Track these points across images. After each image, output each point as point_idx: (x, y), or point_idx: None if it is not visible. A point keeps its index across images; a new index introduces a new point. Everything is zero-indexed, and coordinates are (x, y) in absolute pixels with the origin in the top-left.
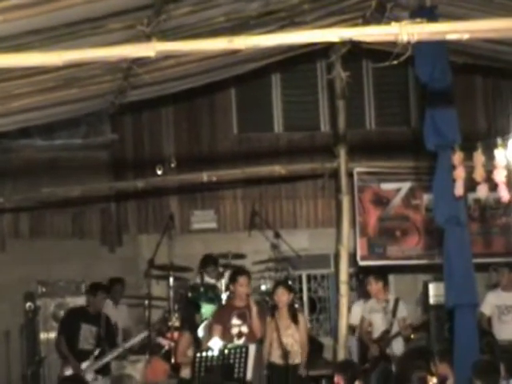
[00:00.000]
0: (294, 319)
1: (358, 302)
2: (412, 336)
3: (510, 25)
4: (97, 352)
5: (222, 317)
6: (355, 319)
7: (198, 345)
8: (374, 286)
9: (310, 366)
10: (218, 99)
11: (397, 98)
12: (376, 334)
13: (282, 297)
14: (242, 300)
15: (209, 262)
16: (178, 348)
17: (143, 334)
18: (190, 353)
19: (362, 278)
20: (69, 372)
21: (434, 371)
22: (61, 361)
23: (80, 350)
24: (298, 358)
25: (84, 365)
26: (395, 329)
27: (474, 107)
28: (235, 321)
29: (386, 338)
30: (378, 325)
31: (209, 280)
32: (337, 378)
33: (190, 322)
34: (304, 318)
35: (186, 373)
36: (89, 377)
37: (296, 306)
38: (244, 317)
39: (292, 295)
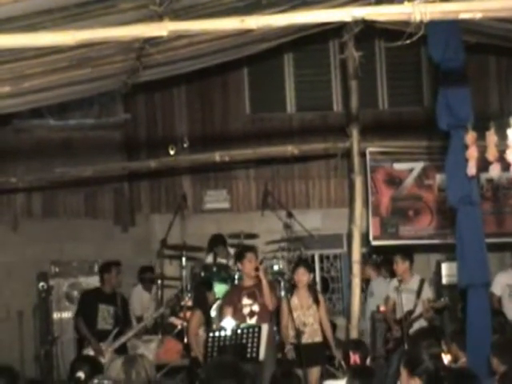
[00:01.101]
0: (315, 299)
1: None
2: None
3: None
4: (115, 331)
5: (232, 298)
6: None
7: (210, 324)
8: (401, 265)
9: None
10: (231, 79)
11: (409, 77)
12: (398, 314)
13: (303, 277)
14: (250, 279)
15: (217, 241)
16: (189, 327)
17: (160, 310)
18: (201, 332)
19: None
20: (90, 353)
21: (446, 350)
22: (76, 341)
23: (99, 331)
24: (318, 336)
25: (104, 345)
26: (419, 310)
27: (486, 87)
28: (246, 300)
29: (408, 318)
30: (401, 305)
31: (222, 260)
32: (353, 357)
33: (201, 302)
34: (323, 297)
35: (196, 353)
36: (108, 357)
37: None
38: (254, 296)
39: (312, 275)
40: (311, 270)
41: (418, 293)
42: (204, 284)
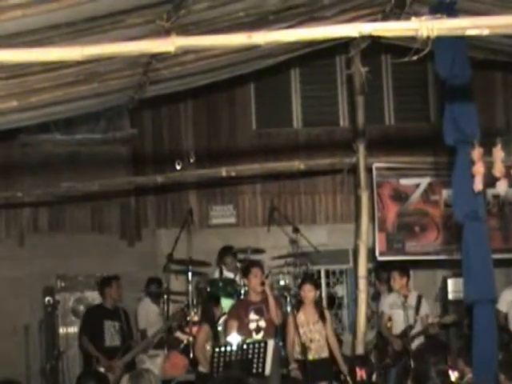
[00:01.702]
0: (322, 315)
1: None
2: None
3: None
4: (124, 348)
5: (238, 312)
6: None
7: (217, 339)
8: (399, 281)
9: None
10: (237, 94)
11: (416, 93)
12: (397, 329)
13: (309, 293)
14: (257, 294)
15: (227, 253)
16: (196, 341)
17: (167, 324)
18: (208, 346)
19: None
20: (101, 370)
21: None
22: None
23: (108, 348)
24: (324, 352)
25: (114, 362)
26: (418, 326)
27: (493, 103)
28: (253, 316)
29: (409, 334)
30: (400, 320)
31: (228, 274)
32: (359, 372)
33: (208, 316)
34: (329, 312)
35: (204, 367)
36: (117, 373)
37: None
38: (261, 311)
39: (318, 291)
40: (318, 286)
41: (417, 309)
42: (211, 298)
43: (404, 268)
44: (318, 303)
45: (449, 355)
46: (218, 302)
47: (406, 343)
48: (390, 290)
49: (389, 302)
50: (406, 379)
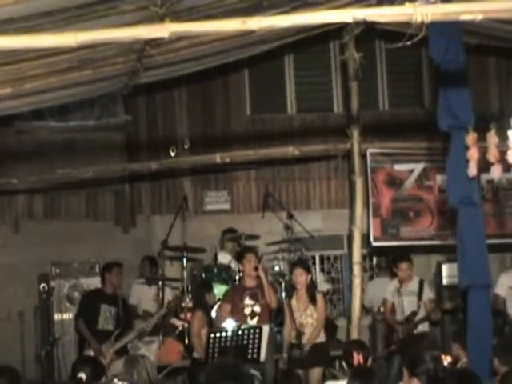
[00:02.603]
0: (313, 300)
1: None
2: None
3: None
4: (116, 332)
5: (233, 297)
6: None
7: (212, 325)
8: (406, 271)
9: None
10: (232, 80)
11: (410, 78)
12: (400, 316)
13: (300, 277)
14: (252, 280)
15: (228, 235)
16: (191, 328)
17: (162, 312)
18: (203, 333)
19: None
20: (90, 354)
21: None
22: (78, 343)
23: (100, 331)
24: (319, 337)
25: (104, 346)
26: (422, 311)
27: (487, 88)
28: (248, 301)
29: (412, 320)
30: (403, 307)
31: (222, 260)
32: (357, 357)
33: (202, 303)
34: (323, 298)
35: (199, 353)
36: (109, 358)
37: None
38: (256, 296)
39: (310, 275)
40: (309, 270)
41: (419, 294)
42: (204, 286)
43: (410, 257)
44: (309, 287)
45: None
46: (210, 289)
47: (410, 329)
48: (392, 276)
49: (391, 289)
50: None
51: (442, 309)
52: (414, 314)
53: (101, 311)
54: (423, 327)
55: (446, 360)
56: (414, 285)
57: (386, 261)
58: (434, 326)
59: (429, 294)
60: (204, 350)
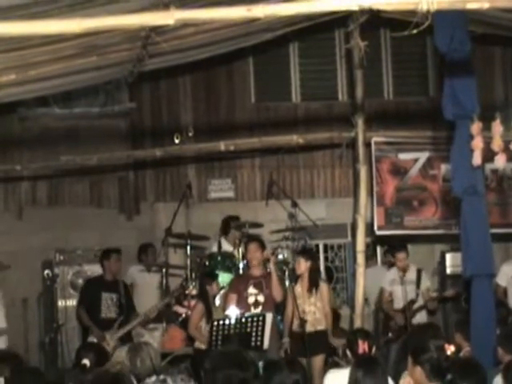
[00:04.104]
0: (315, 287)
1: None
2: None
3: None
4: (119, 320)
5: (238, 286)
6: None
7: (212, 316)
8: (405, 261)
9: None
10: (236, 68)
11: (415, 67)
12: (398, 304)
13: (300, 265)
14: (258, 269)
15: (231, 223)
16: (190, 320)
17: (166, 300)
18: (202, 325)
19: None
20: (94, 340)
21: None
22: (81, 330)
23: (103, 319)
24: (320, 324)
25: (108, 334)
26: (420, 300)
27: (492, 77)
28: (252, 290)
29: (411, 308)
30: (401, 296)
31: (227, 248)
32: (362, 345)
33: (202, 294)
34: (326, 286)
35: (200, 343)
36: (112, 345)
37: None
38: (260, 286)
39: (310, 263)
40: (309, 258)
41: (418, 283)
42: (206, 276)
43: (404, 244)
44: (312, 276)
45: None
46: (213, 279)
47: (407, 318)
48: (390, 265)
49: (389, 278)
50: (406, 355)
51: (442, 297)
52: (412, 302)
53: (102, 299)
54: (421, 316)
55: (450, 349)
56: (412, 274)
57: (374, 250)
58: (431, 315)
59: (426, 282)
60: (207, 338)
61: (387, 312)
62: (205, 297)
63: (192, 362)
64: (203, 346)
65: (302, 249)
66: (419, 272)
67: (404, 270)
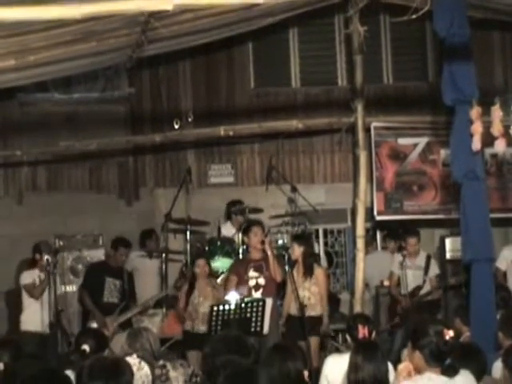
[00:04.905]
0: (310, 272)
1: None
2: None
3: None
4: (121, 306)
5: (238, 270)
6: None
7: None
8: (414, 246)
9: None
10: (236, 54)
11: (414, 52)
12: (404, 289)
13: (294, 251)
14: (257, 252)
15: (234, 207)
16: (178, 302)
17: (168, 291)
18: (191, 307)
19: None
20: (94, 326)
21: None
22: (81, 316)
23: (105, 304)
24: (314, 310)
25: (109, 319)
26: (427, 286)
27: (491, 62)
28: (252, 273)
29: (417, 294)
30: (409, 281)
31: (226, 233)
32: (363, 330)
33: (192, 275)
34: (322, 270)
35: (187, 326)
36: (112, 330)
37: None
38: (260, 269)
39: (303, 248)
40: (303, 243)
41: (426, 269)
42: (197, 256)
43: (415, 229)
44: (306, 261)
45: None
46: (202, 258)
47: (414, 303)
48: (400, 249)
49: (398, 262)
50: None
51: (447, 285)
52: (418, 288)
53: (105, 284)
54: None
55: (449, 334)
56: (421, 259)
57: (374, 235)
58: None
59: (435, 269)
60: (207, 323)
61: (394, 296)
62: (191, 278)
63: (180, 345)
64: (187, 328)
65: (297, 234)
66: (428, 258)
67: (412, 255)
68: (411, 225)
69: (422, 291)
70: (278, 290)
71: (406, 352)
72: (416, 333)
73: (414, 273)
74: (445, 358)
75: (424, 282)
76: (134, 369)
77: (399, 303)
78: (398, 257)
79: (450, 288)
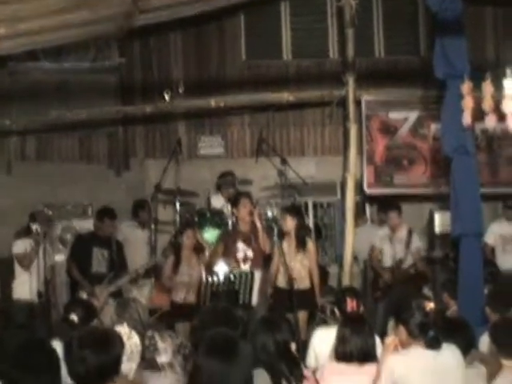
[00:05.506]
0: (302, 245)
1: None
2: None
3: None
4: (110, 276)
5: (226, 241)
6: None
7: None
8: (396, 220)
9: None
10: (227, 25)
11: (406, 26)
12: (386, 263)
13: (287, 223)
14: (246, 224)
15: (226, 179)
16: (163, 271)
17: (156, 259)
18: (175, 277)
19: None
20: (84, 296)
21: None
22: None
23: (94, 274)
24: (304, 283)
25: (98, 288)
26: (409, 259)
27: (483, 37)
28: (240, 245)
29: (400, 267)
30: (390, 254)
31: (216, 205)
32: (351, 303)
33: (175, 245)
34: (313, 243)
35: (174, 296)
36: (102, 300)
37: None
38: (249, 241)
39: (296, 220)
40: (296, 215)
41: (407, 243)
42: (185, 226)
43: (397, 203)
44: (298, 233)
45: (427, 286)
46: (189, 228)
47: (396, 276)
48: (382, 222)
49: (380, 236)
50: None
51: (431, 257)
52: (401, 261)
53: (93, 254)
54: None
55: (429, 306)
56: (402, 233)
57: (363, 208)
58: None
59: (417, 242)
60: (196, 295)
61: (376, 270)
62: (176, 248)
63: (168, 315)
64: (175, 299)
65: (289, 206)
66: (410, 232)
67: (394, 229)
68: (401, 198)
69: (405, 264)
70: (266, 262)
71: (390, 325)
72: (398, 307)
73: (397, 246)
74: (427, 331)
75: (406, 255)
76: (124, 338)
77: (381, 276)
78: (382, 231)
79: (435, 261)
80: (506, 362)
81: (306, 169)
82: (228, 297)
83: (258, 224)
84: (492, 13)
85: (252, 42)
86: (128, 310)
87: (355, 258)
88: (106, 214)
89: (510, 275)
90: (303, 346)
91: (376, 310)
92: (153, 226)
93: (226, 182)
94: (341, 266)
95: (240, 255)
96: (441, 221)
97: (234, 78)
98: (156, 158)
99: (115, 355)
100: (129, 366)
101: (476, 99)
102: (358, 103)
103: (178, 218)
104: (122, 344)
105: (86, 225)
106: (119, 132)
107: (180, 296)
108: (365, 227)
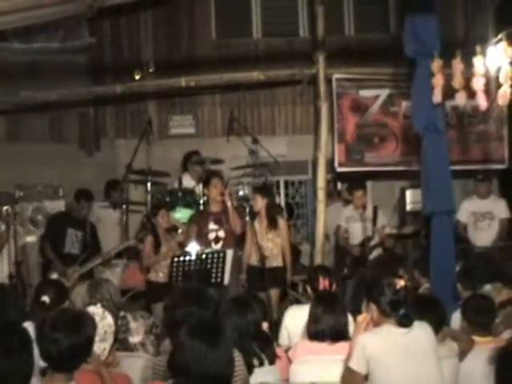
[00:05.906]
0: (273, 224)
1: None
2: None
3: None
4: (82, 257)
5: (198, 222)
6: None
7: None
8: (362, 199)
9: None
10: (197, 4)
11: (376, 3)
12: (354, 241)
13: (257, 202)
14: (217, 205)
15: (191, 158)
16: (143, 252)
17: (130, 242)
18: (153, 257)
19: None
20: (54, 276)
21: (407, 277)
22: (42, 267)
23: (66, 255)
24: (276, 261)
25: (70, 269)
26: (376, 237)
27: (453, 15)
28: (212, 226)
29: (367, 245)
30: (357, 233)
31: (187, 184)
32: (323, 282)
33: (151, 226)
34: (284, 222)
35: (153, 277)
36: (73, 281)
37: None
38: (220, 221)
39: (266, 200)
40: (266, 194)
41: (374, 220)
42: (154, 207)
43: (364, 185)
44: (269, 212)
45: (403, 266)
46: (159, 209)
47: (364, 254)
48: (347, 202)
49: (345, 216)
50: (362, 291)
51: (401, 234)
52: (368, 239)
53: (67, 235)
54: (377, 253)
55: (400, 284)
56: (368, 211)
57: (335, 188)
58: (388, 252)
59: (383, 220)
60: (167, 274)
61: (343, 247)
62: (152, 228)
63: (145, 295)
64: (156, 279)
65: (259, 185)
66: (375, 209)
67: (363, 208)
68: (372, 177)
69: (372, 242)
70: (239, 241)
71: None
72: (369, 286)
73: (363, 225)
74: (398, 309)
75: (373, 233)
76: (97, 318)
77: (348, 254)
78: (347, 210)
79: (404, 237)
80: (477, 339)
81: (277, 148)
82: (200, 276)
83: (229, 204)
84: None
85: (222, 21)
86: (100, 290)
87: (327, 237)
88: (83, 195)
89: (481, 252)
90: (276, 325)
91: (344, 288)
92: (124, 207)
93: (192, 161)
94: (313, 244)
95: (211, 236)
96: (412, 198)
97: (204, 57)
98: (127, 138)
99: (87, 336)
100: (102, 346)
101: (446, 77)
102: (328, 81)
103: (149, 198)
104: (94, 325)
105: (57, 205)
106: (90, 112)
107: (161, 276)
108: (336, 205)
